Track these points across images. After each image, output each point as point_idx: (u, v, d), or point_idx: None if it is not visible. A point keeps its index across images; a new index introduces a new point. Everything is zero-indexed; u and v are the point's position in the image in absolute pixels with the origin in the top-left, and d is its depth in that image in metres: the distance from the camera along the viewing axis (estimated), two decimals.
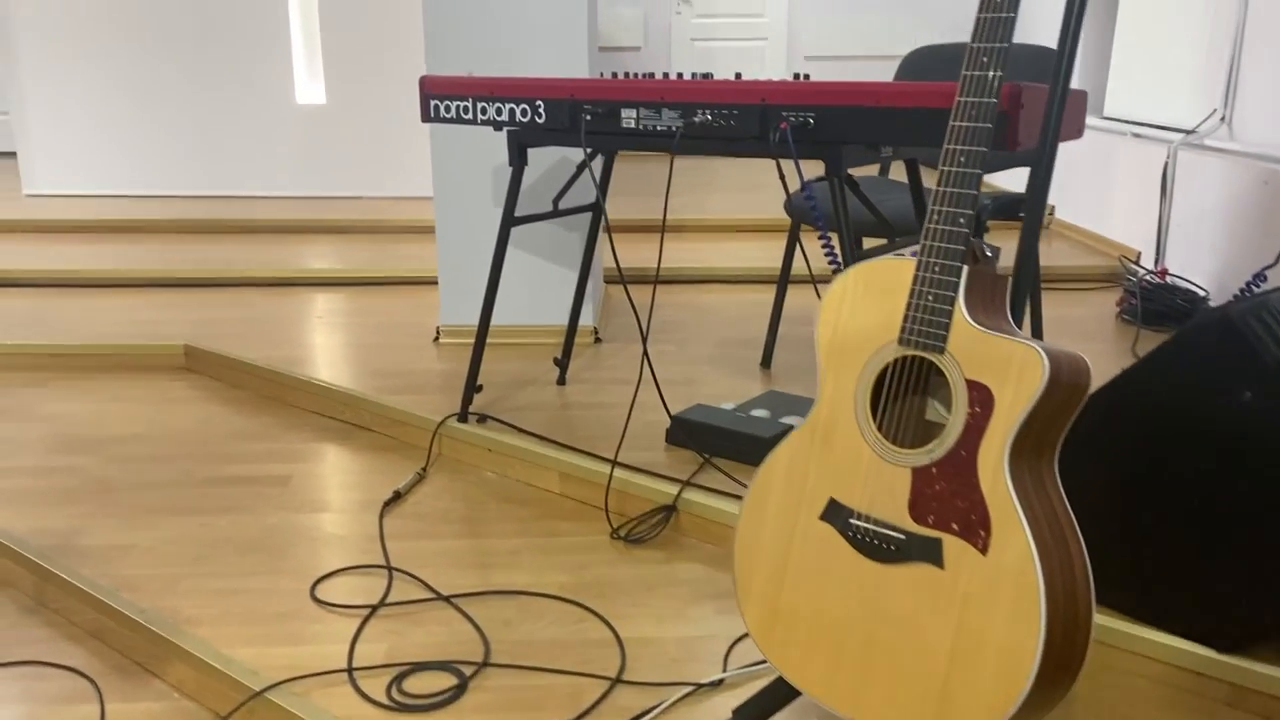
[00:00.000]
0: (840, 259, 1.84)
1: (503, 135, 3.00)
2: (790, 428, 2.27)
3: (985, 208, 2.53)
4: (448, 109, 2.34)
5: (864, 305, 1.22)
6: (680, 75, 2.03)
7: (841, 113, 1.77)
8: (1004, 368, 1.10)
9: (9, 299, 3.72)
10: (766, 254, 4.23)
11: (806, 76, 1.88)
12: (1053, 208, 4.95)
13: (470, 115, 2.31)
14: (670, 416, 2.34)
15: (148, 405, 2.79)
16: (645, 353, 2.00)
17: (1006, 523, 1.09)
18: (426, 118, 2.38)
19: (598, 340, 3.18)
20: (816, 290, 3.33)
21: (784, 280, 2.91)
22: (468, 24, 2.93)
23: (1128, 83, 4.44)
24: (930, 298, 1.16)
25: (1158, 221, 3.79)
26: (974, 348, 1.13)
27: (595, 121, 2.10)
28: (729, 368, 2.92)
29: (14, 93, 5.39)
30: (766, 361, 2.93)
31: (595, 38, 3.02)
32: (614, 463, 2.14)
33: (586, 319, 3.15)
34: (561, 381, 2.78)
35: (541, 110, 2.18)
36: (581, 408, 2.61)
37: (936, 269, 1.16)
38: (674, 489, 2.09)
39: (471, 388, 2.49)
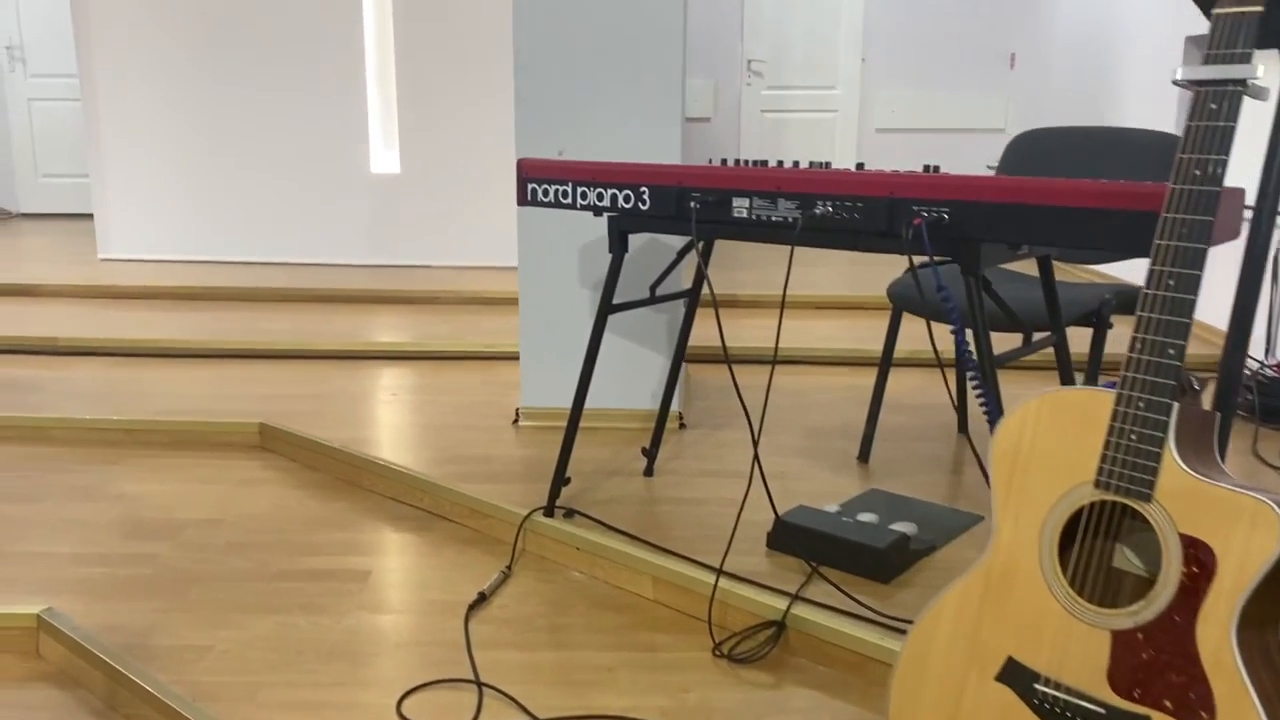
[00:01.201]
0: (977, 361, 1.70)
1: (591, 215, 2.92)
2: (904, 536, 2.12)
3: (1108, 302, 2.39)
4: (546, 193, 2.25)
5: (1051, 439, 1.09)
6: (797, 164, 1.93)
7: (980, 209, 1.65)
8: (1229, 523, 0.96)
9: (82, 367, 3.69)
10: (852, 333, 4.09)
11: (936, 169, 1.77)
12: None
13: (569, 200, 2.22)
14: (776, 518, 2.20)
15: (222, 487, 2.71)
16: (756, 457, 1.87)
17: (1235, 704, 0.94)
18: (524, 201, 2.30)
19: (682, 426, 3.05)
20: (945, 376, 3.20)
21: (885, 368, 2.77)
22: (559, 103, 2.87)
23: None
24: (1133, 437, 1.02)
25: (1269, 311, 3.61)
26: (1189, 497, 0.99)
27: (705, 210, 1.99)
28: (823, 460, 2.78)
29: (95, 156, 5.46)
30: (864, 455, 2.78)
31: (683, 116, 2.94)
32: (719, 571, 2.00)
33: (670, 403, 3.03)
34: (649, 472, 2.66)
35: (646, 197, 2.09)
36: (671, 503, 2.48)
37: (1141, 405, 1.02)
38: (781, 602, 1.95)
39: (559, 481, 2.37)
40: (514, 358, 3.84)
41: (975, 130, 7.30)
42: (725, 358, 2.17)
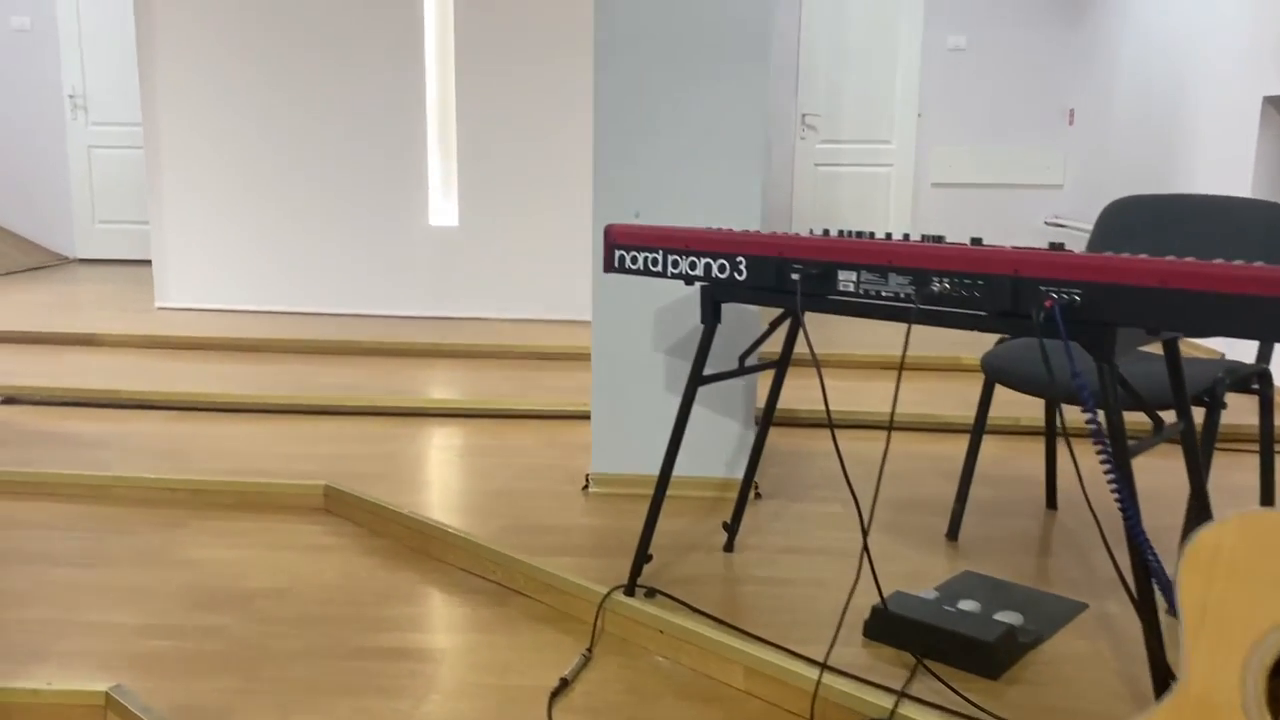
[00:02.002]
0: (1112, 455, 1.60)
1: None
2: (1011, 628, 2.00)
3: (1221, 381, 2.27)
4: (635, 260, 2.18)
5: (1255, 565, 0.98)
6: (906, 237, 1.84)
7: (1119, 292, 1.55)
8: None
9: (143, 421, 3.66)
10: (933, 398, 3.98)
11: (1061, 246, 1.68)
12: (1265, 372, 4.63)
13: (659, 268, 2.15)
14: (877, 606, 2.09)
15: (289, 553, 2.63)
16: (865, 547, 1.77)
17: None
18: (610, 267, 2.23)
19: (757, 495, 2.95)
20: (1077, 440, 3.06)
21: (976, 441, 2.66)
22: (637, 163, 2.81)
23: None
24: None
25: None
26: None
27: (807, 283, 1.91)
28: (909, 537, 2.67)
29: (155, 204, 5.49)
30: (953, 532, 2.66)
31: (765, 178, 2.87)
32: (824, 666, 1.89)
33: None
34: (729, 548, 2.55)
35: (743, 267, 2.01)
36: (756, 583, 2.38)
37: None
38: (886, 699, 1.83)
39: (641, 558, 2.28)
40: (579, 417, 3.76)
41: (1033, 186, 7.20)
42: (829, 424, 2.08)
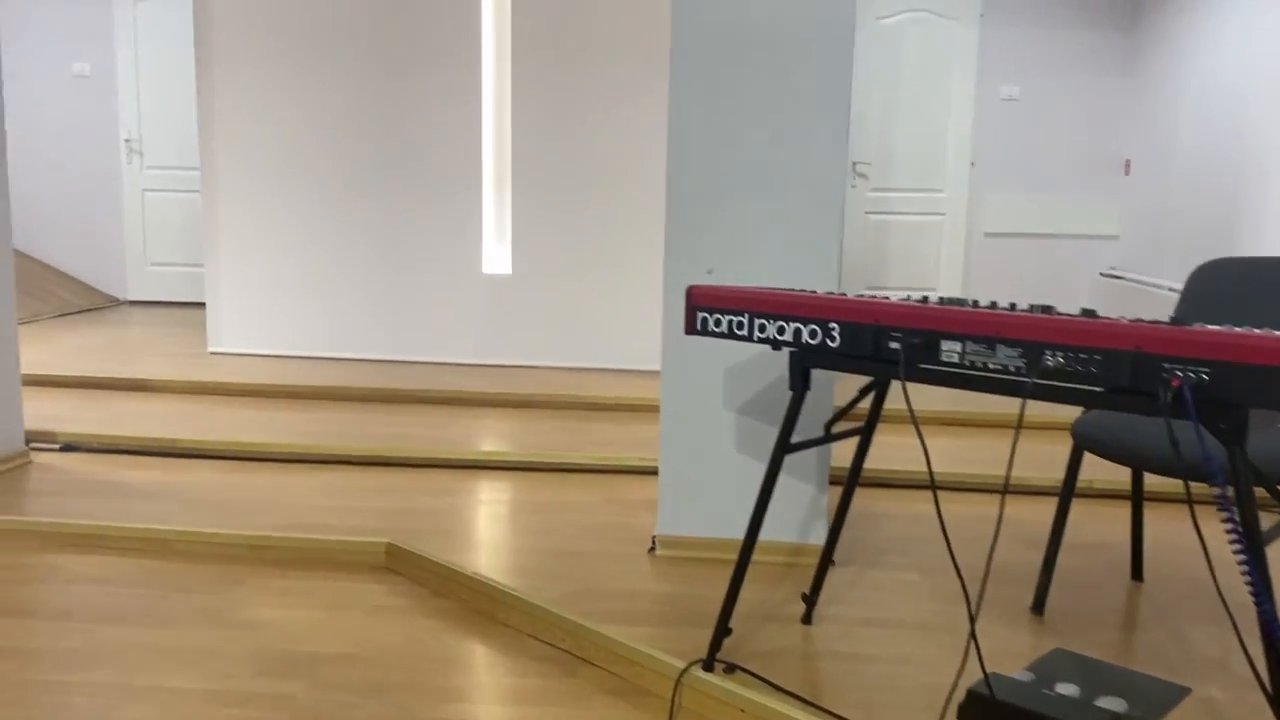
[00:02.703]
0: (1245, 541, 1.50)
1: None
2: (1116, 716, 1.89)
3: None
4: (718, 323, 2.12)
5: None
6: (1013, 306, 1.77)
7: (1250, 372, 1.47)
8: None
9: (200, 471, 3.63)
10: (974, 454, 3.88)
11: (1179, 322, 1.60)
12: None
13: (745, 332, 2.08)
14: (978, 690, 1.99)
15: (353, 615, 2.57)
16: (973, 633, 1.68)
17: None
18: (692, 330, 2.17)
19: (831, 562, 2.86)
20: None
21: (1064, 511, 2.56)
22: (710, 220, 2.76)
23: None
24: None
25: None
26: None
27: (908, 352, 1.84)
28: (991, 608, 2.56)
29: (211, 247, 5.51)
30: (1039, 605, 2.55)
31: (840, 236, 2.80)
32: None
33: (818, 536, 2.85)
34: (807, 619, 2.46)
35: (836, 333, 1.94)
36: (839, 659, 2.28)
37: None
38: None
39: (721, 632, 2.20)
40: (637, 472, 3.69)
41: (1089, 236, 7.10)
42: (931, 484, 1.99)
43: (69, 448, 3.84)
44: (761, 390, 2.80)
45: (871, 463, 3.68)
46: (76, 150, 7.47)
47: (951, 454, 3.94)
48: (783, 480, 2.84)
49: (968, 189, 7.10)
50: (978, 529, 3.20)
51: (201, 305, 7.24)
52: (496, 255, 5.43)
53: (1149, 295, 6.18)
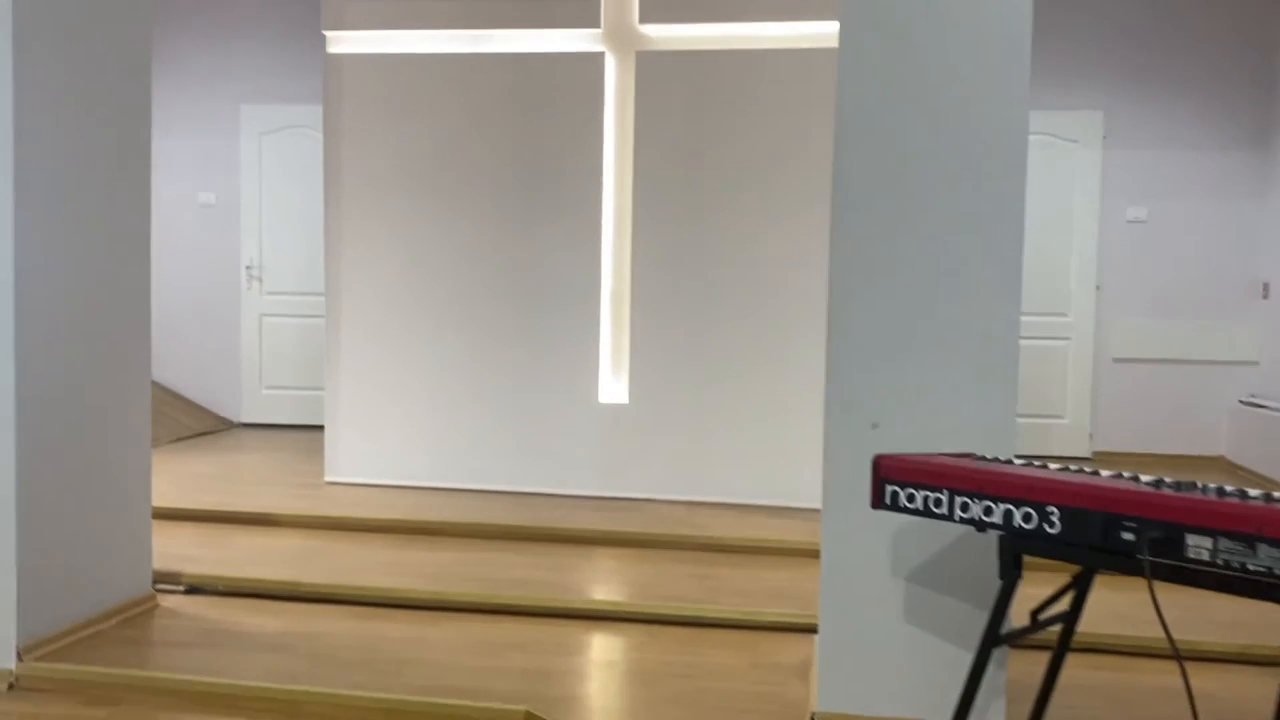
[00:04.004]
0: None
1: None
2: None
3: None
4: (911, 499, 1.95)
5: None
6: (1245, 494, 1.57)
7: None
8: None
9: (324, 619, 3.52)
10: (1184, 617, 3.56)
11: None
12: None
13: (944, 510, 1.90)
14: None
15: None
16: None
17: None
18: (880, 505, 2.00)
19: None
20: None
21: None
22: (876, 371, 2.60)
23: None
24: None
25: None
26: None
27: (1145, 545, 1.64)
28: None
29: (332, 376, 5.53)
30: None
31: (1017, 385, 2.62)
32: None
33: (997, 715, 2.59)
34: None
35: (1056, 518, 1.75)
36: None
37: None
38: None
39: None
40: (780, 629, 3.47)
41: (1225, 363, 6.76)
42: (1175, 655, 1.76)
43: (194, 590, 3.78)
44: (942, 550, 2.59)
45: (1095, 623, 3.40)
46: (199, 276, 7.68)
47: (1112, 609, 3.64)
48: (953, 650, 2.61)
49: (1094, 313, 6.84)
50: (1245, 709, 2.90)
51: (313, 428, 7.28)
52: (614, 385, 5.34)
53: None
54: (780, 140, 5.11)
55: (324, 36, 5.47)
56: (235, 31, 7.59)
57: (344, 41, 5.44)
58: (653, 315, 5.25)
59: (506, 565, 4.11)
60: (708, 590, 3.82)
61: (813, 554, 4.17)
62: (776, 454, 5.15)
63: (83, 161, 3.28)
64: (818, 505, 4.92)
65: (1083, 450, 6.86)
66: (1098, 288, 6.84)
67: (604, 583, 3.94)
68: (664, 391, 5.25)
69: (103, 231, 3.38)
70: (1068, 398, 6.89)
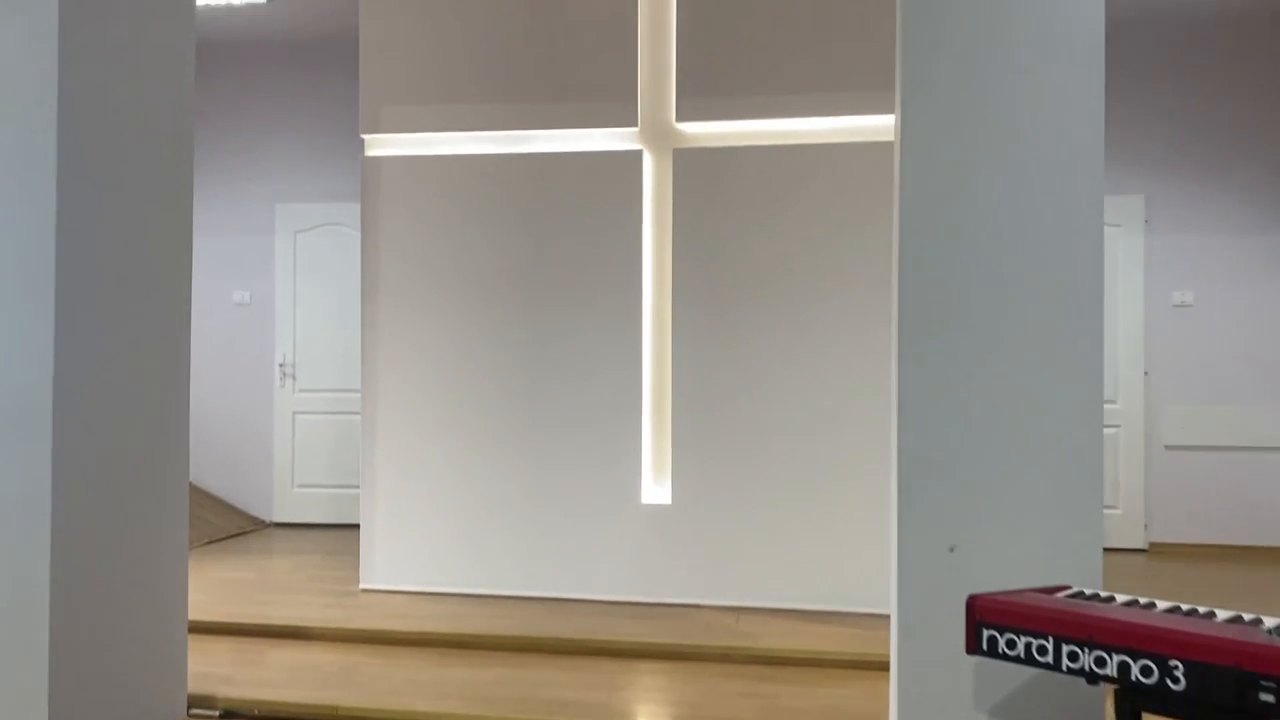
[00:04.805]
0: None
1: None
2: None
3: None
4: (1011, 644, 1.80)
5: None
6: None
7: None
8: None
9: None
10: None
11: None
12: None
13: (1049, 659, 1.75)
14: None
15: None
16: None
17: None
18: (975, 649, 1.85)
19: None
20: None
21: None
22: (951, 489, 2.46)
23: None
24: None
25: None
26: None
27: None
28: None
29: (368, 473, 5.41)
30: None
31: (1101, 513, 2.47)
32: None
33: None
34: None
35: (1180, 674, 1.59)
36: None
37: None
38: None
39: None
40: None
41: None
42: None
43: (229, 714, 3.63)
44: (1026, 684, 2.42)
45: None
46: (233, 375, 7.65)
47: None
48: None
49: (1143, 399, 6.67)
50: None
51: (345, 527, 7.16)
52: (656, 487, 5.20)
53: None
54: (822, 235, 5.04)
55: (360, 140, 5.48)
56: (268, 132, 7.67)
57: (382, 145, 5.44)
58: (695, 412, 5.13)
59: (551, 684, 3.94)
60: (761, 711, 3.63)
61: (871, 666, 3.98)
62: (826, 556, 4.97)
63: (123, 269, 3.24)
64: (870, 609, 4.74)
65: (1138, 542, 6.62)
66: (1146, 373, 6.68)
67: (653, 703, 3.76)
68: (708, 491, 5.11)
69: (143, 337, 3.33)
70: (1120, 487, 6.68)
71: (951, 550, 2.47)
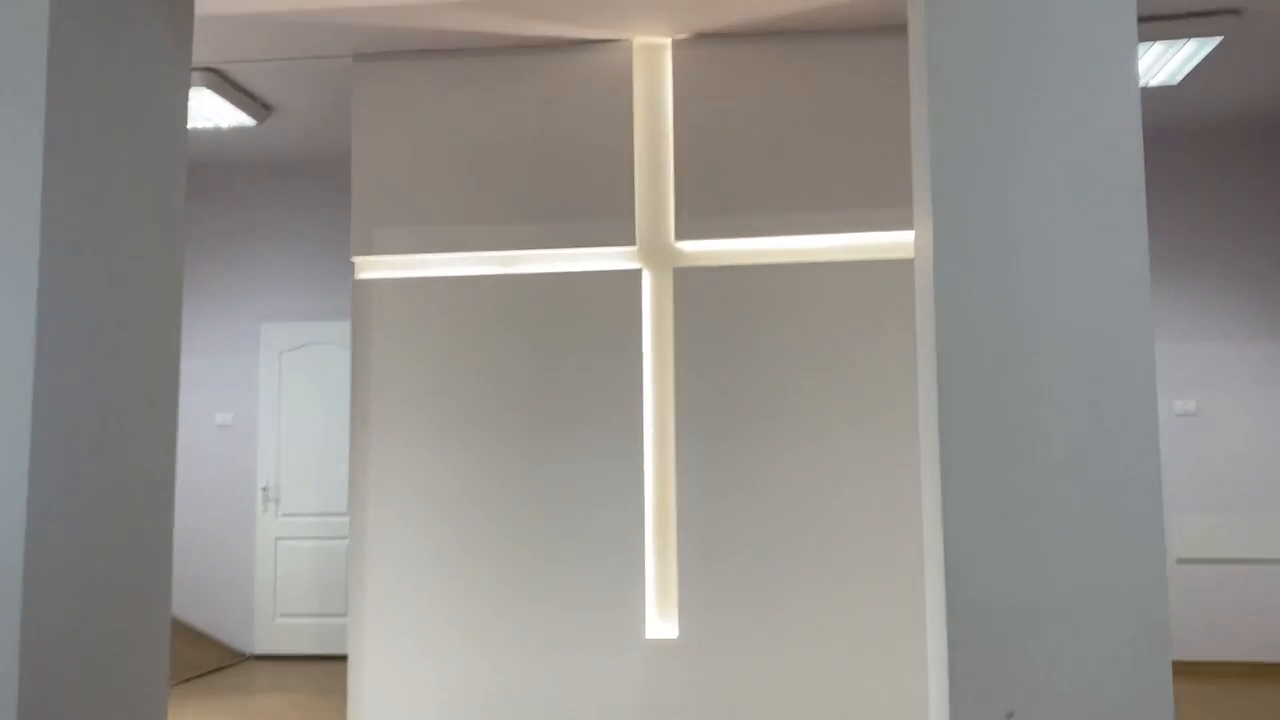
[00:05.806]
0: None
1: None
2: None
3: None
4: None
5: None
6: None
7: None
8: None
9: None
10: None
11: None
12: None
13: None
14: None
15: None
16: None
17: None
18: None
19: None
20: None
21: None
22: (1007, 647, 2.28)
23: None
24: None
25: None
26: None
27: None
28: None
29: (357, 604, 5.14)
30: None
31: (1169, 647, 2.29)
32: None
33: None
34: None
35: None
36: None
37: None
38: None
39: None
40: None
41: None
42: None
43: None
44: None
45: None
46: (212, 498, 7.39)
47: None
48: None
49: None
50: None
51: (330, 658, 6.84)
52: (661, 621, 4.96)
53: None
54: (825, 353, 4.92)
55: (351, 262, 5.36)
56: (255, 251, 7.57)
57: (373, 267, 5.33)
58: (701, 540, 4.93)
59: None
60: None
61: None
62: (845, 692, 4.72)
63: (105, 395, 3.05)
64: None
65: None
66: None
67: None
68: (717, 624, 4.87)
69: (125, 466, 3.12)
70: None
71: (1009, 717, 2.27)
